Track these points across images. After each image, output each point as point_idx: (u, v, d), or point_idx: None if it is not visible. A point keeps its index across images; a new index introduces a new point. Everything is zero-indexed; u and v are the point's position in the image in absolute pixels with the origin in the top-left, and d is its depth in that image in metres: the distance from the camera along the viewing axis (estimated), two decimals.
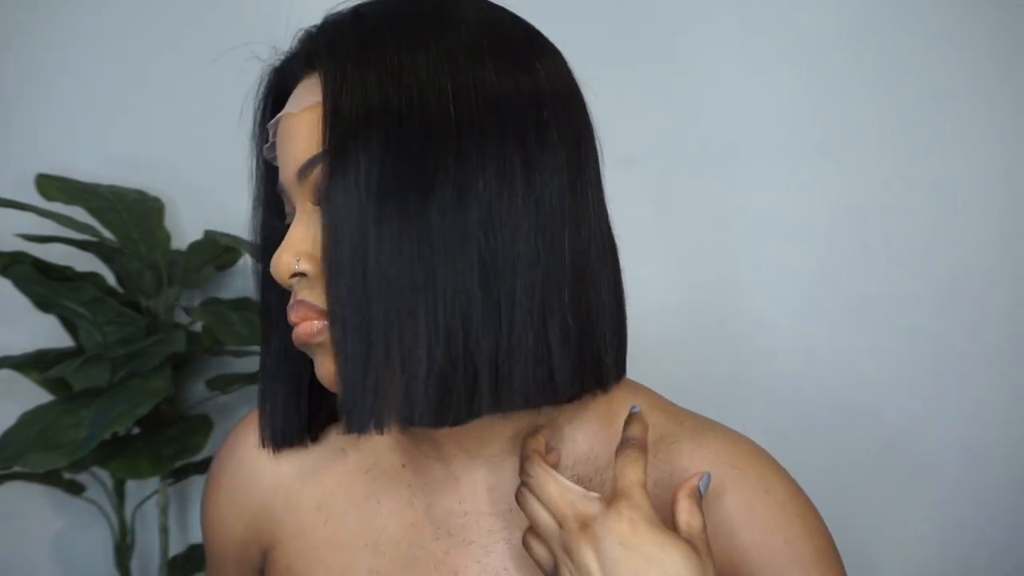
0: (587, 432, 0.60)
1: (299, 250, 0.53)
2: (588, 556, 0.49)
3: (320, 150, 0.51)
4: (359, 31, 0.52)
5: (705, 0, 1.29)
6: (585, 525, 0.50)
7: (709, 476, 0.54)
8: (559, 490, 0.51)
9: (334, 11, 0.55)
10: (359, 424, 0.50)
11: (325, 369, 0.53)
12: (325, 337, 0.52)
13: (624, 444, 0.53)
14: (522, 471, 0.54)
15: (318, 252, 0.52)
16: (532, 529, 0.54)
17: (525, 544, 0.54)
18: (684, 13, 1.29)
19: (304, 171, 0.53)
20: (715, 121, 1.30)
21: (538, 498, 0.52)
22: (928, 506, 1.34)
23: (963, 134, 1.28)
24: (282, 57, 0.58)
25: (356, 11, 0.54)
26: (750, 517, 0.58)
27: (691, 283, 1.30)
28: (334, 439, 0.64)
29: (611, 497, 0.50)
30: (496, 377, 0.50)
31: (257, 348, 1.31)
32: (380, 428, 0.50)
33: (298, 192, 0.54)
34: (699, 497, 0.53)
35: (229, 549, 0.67)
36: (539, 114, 0.51)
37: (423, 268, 0.49)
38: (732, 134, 1.30)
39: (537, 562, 0.54)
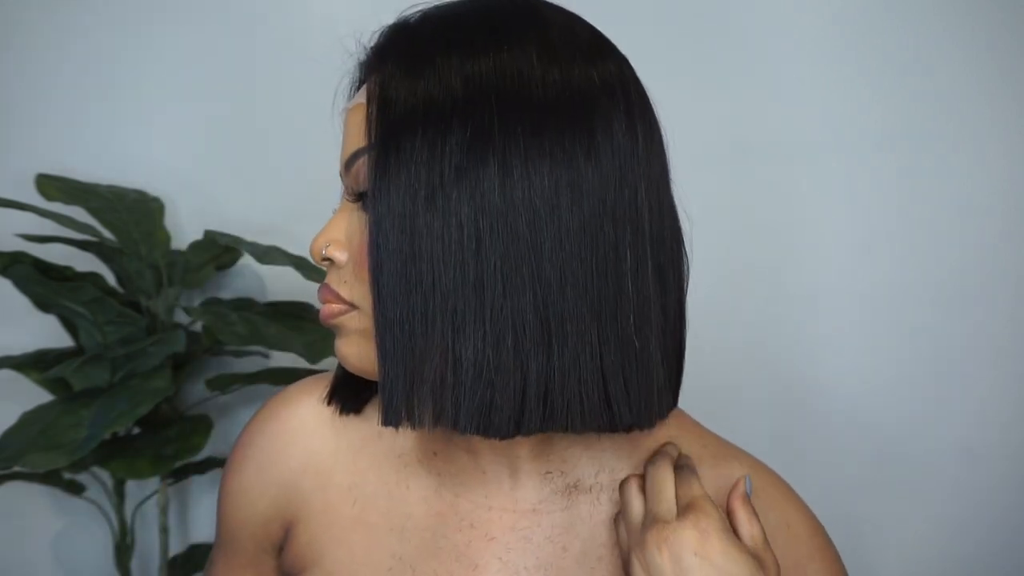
0: (619, 456, 0.61)
1: (331, 237, 0.55)
2: (662, 558, 0.52)
3: (363, 144, 0.53)
4: (415, 37, 0.54)
5: (712, 7, 1.29)
6: (663, 528, 0.53)
7: (749, 478, 0.57)
8: (663, 491, 0.55)
9: (404, 14, 0.56)
10: (394, 418, 0.52)
11: (340, 349, 0.56)
12: (341, 321, 0.55)
13: (680, 467, 0.57)
14: (648, 462, 0.58)
15: (346, 242, 0.55)
16: (621, 512, 0.57)
17: (615, 522, 0.58)
18: (699, 22, 1.29)
19: (348, 163, 0.54)
20: (716, 121, 1.30)
21: (642, 488, 0.56)
22: (929, 506, 1.34)
23: (966, 135, 1.28)
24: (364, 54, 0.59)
25: (424, 15, 0.55)
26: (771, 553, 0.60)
27: (692, 285, 1.30)
28: (373, 420, 0.65)
29: (683, 509, 0.54)
30: (546, 398, 0.51)
31: (257, 348, 1.32)
32: (414, 424, 0.52)
33: (344, 183, 0.56)
34: (750, 503, 0.56)
35: (249, 525, 0.66)
36: (589, 124, 0.51)
37: (472, 276, 0.49)
38: (735, 135, 1.30)
39: (619, 544, 0.58)
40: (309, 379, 0.68)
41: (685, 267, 0.58)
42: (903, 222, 1.30)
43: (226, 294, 1.35)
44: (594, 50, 0.54)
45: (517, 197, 0.49)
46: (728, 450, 0.64)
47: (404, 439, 0.63)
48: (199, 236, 1.25)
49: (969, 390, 1.31)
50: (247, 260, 1.32)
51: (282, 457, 0.65)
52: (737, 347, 1.31)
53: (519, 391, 0.50)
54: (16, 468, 1.04)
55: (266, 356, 1.33)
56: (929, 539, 1.34)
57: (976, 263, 1.29)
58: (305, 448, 0.65)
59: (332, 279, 0.56)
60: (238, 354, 1.30)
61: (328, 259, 0.56)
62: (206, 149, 1.34)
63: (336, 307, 0.55)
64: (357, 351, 0.55)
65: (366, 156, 0.52)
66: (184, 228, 1.31)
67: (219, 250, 1.25)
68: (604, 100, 0.52)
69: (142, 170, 1.31)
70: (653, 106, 0.56)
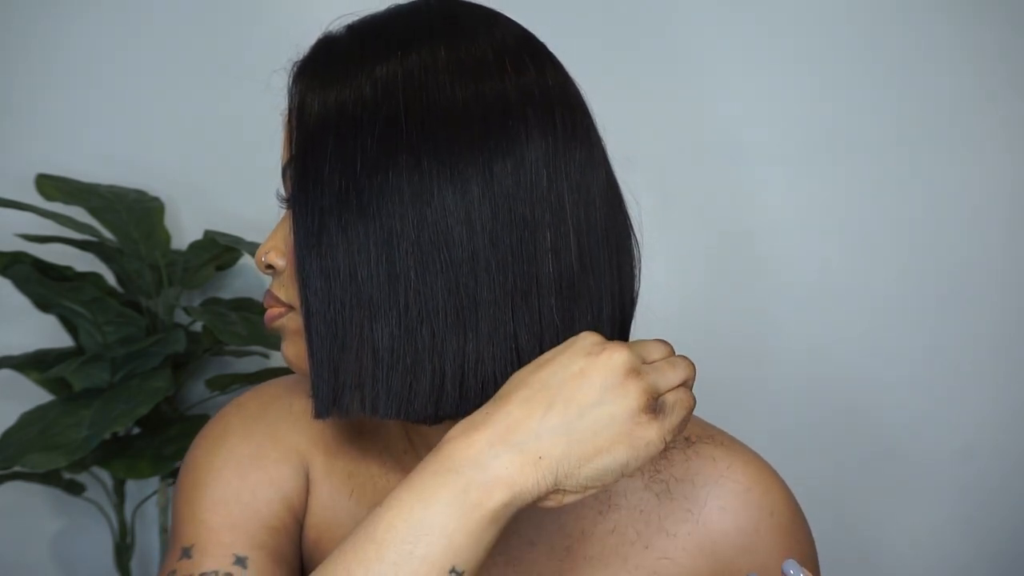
0: None
1: (271, 245, 0.58)
2: None
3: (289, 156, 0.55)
4: (333, 48, 0.56)
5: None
6: None
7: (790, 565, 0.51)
8: None
9: (329, 28, 0.58)
10: (322, 409, 0.54)
11: (284, 351, 0.58)
12: (282, 323, 0.57)
13: None
14: None
15: (284, 248, 0.57)
16: None
17: None
18: (686, 11, 1.29)
19: (283, 175, 0.57)
20: (718, 121, 1.30)
21: None
22: (929, 506, 1.33)
23: (968, 135, 1.27)
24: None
25: (348, 27, 0.57)
26: (754, 542, 0.59)
27: (692, 284, 1.30)
28: (356, 418, 0.64)
29: None
30: (462, 381, 0.52)
31: (257, 348, 1.31)
32: (343, 415, 0.54)
33: (284, 192, 0.58)
34: None
35: (258, 501, 0.62)
36: (503, 121, 0.52)
37: (386, 266, 0.51)
38: (735, 134, 1.30)
39: None
40: (284, 379, 0.69)
41: (635, 257, 0.58)
42: (903, 223, 1.30)
43: (226, 294, 1.35)
44: (510, 45, 0.55)
45: (426, 188, 0.51)
46: (704, 429, 0.63)
47: (381, 437, 0.65)
48: (199, 236, 1.25)
49: (970, 391, 1.31)
50: (247, 260, 1.32)
51: (295, 430, 0.65)
52: (736, 346, 1.31)
53: (438, 375, 0.52)
54: (16, 468, 1.04)
55: (266, 356, 1.33)
56: (929, 539, 1.34)
57: (977, 263, 1.29)
58: (311, 425, 0.66)
59: (274, 285, 0.58)
60: (238, 354, 1.30)
61: (271, 267, 0.58)
62: (206, 149, 1.33)
63: (276, 310, 0.57)
64: (297, 351, 0.56)
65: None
66: (184, 228, 1.31)
67: (219, 250, 1.25)
68: (516, 92, 0.53)
69: (142, 170, 1.31)
70: (581, 96, 0.57)
